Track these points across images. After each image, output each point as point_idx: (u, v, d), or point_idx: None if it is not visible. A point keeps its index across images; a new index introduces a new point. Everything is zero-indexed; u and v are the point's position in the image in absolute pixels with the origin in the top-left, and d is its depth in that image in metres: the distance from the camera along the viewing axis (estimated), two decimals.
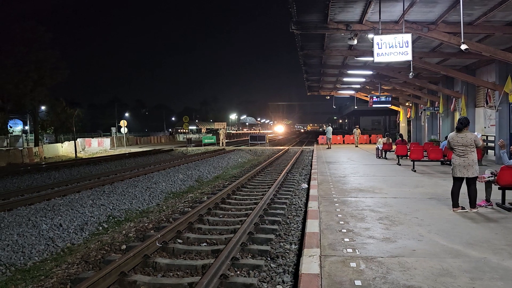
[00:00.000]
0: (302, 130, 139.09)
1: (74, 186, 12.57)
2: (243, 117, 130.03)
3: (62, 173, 17.52)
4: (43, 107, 43.95)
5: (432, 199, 8.56)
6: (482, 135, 17.56)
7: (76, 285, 4.57)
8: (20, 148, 29.13)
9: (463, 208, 7.27)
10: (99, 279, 4.71)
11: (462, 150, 7.13)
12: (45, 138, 49.03)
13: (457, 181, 7.33)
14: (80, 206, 9.60)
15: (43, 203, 10.05)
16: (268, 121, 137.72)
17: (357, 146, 29.41)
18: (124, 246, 6.73)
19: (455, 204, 7.32)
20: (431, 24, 12.67)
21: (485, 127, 19.08)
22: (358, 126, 33.74)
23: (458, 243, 5.40)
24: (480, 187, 7.44)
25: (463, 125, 7.21)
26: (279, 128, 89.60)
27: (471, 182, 7.22)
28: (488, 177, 7.62)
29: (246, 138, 50.70)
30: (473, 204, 7.26)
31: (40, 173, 17.67)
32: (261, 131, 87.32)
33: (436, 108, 24.93)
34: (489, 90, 17.59)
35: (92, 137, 45.14)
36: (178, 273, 5.38)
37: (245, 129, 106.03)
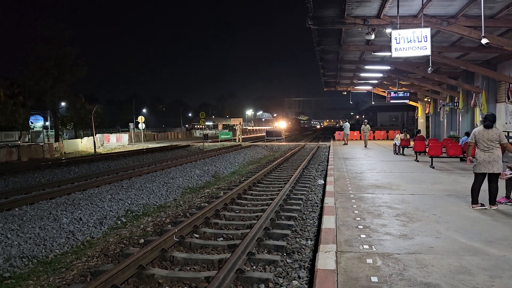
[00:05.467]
0: (318, 126, 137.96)
1: (93, 181, 12.80)
2: (259, 112, 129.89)
3: (82, 168, 17.85)
4: (63, 103, 44.72)
5: (450, 196, 8.44)
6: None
7: (96, 278, 4.68)
8: (41, 144, 29.76)
9: (482, 205, 7.15)
10: (118, 272, 4.80)
11: (487, 145, 7.00)
12: (65, 134, 49.93)
13: (480, 177, 7.19)
14: (99, 200, 9.78)
15: (63, 197, 10.27)
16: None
17: (366, 147, 24.28)
18: (142, 240, 6.83)
19: (475, 201, 7.21)
20: (451, 18, 12.44)
21: (506, 123, 18.67)
22: (366, 121, 27.50)
23: (477, 241, 5.33)
24: (501, 184, 7.30)
25: (492, 122, 7.09)
26: (281, 124, 74.05)
27: (494, 179, 7.09)
28: (510, 174, 7.47)
29: (262, 134, 50.72)
30: (493, 201, 7.14)
31: (61, 168, 18.03)
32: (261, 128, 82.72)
33: (455, 104, 24.50)
34: (510, 85, 17.21)
35: (111, 133, 45.75)
36: (195, 267, 5.44)
37: (261, 125, 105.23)
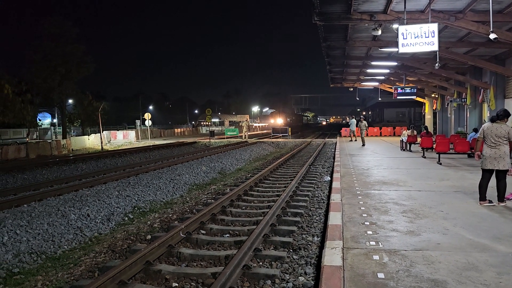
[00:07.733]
0: (324, 123, 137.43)
1: (100, 178, 12.88)
2: (265, 109, 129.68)
3: (89, 165, 17.96)
4: (70, 101, 45.02)
5: (458, 192, 8.39)
6: None
7: (104, 273, 4.71)
8: (48, 141, 29.95)
9: (490, 201, 7.10)
10: (125, 268, 4.84)
11: (494, 141, 6.94)
12: (72, 131, 50.27)
13: (487, 174, 7.13)
14: (106, 197, 9.85)
15: (71, 193, 10.35)
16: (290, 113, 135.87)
17: (364, 145, 22.07)
18: (149, 236, 6.88)
19: (482, 198, 7.15)
20: (458, 13, 12.32)
21: None
22: (363, 117, 24.80)
23: (485, 237, 5.29)
24: (509, 180, 7.24)
25: (499, 117, 7.01)
26: (278, 121, 62.94)
27: (501, 176, 7.03)
28: None
29: (269, 131, 50.65)
30: (501, 197, 7.08)
31: (68, 164, 18.16)
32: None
33: (463, 100, 24.29)
34: None
35: (118, 130, 45.96)
36: (202, 263, 5.47)
37: (268, 122, 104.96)
